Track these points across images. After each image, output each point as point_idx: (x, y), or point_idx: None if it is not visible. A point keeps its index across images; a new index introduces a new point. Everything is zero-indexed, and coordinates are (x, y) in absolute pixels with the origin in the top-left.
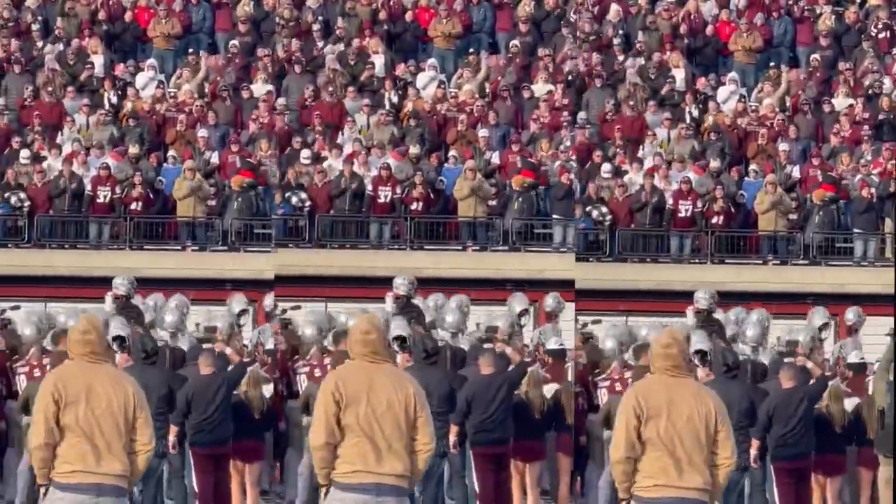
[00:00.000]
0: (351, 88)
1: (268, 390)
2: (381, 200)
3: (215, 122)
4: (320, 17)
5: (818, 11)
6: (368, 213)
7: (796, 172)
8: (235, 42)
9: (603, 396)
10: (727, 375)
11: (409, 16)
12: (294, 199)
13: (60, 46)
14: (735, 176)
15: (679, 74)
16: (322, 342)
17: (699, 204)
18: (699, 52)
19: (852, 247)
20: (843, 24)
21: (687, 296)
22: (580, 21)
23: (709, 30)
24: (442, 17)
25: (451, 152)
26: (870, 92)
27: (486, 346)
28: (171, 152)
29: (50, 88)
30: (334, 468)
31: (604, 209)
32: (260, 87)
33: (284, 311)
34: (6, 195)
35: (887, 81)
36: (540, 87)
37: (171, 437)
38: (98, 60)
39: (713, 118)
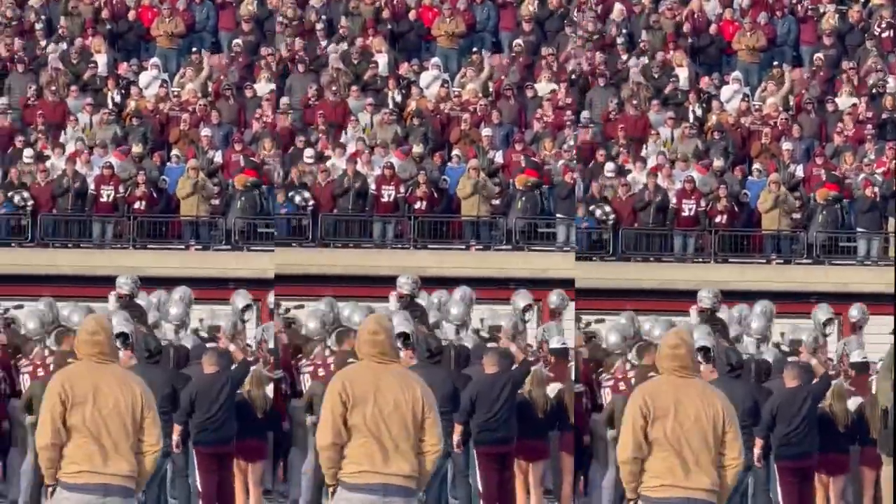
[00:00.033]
0: (354, 87)
1: (270, 390)
2: (385, 199)
3: (219, 121)
4: (324, 17)
5: (822, 10)
6: (372, 213)
7: (800, 171)
8: (239, 41)
9: (606, 396)
10: (731, 375)
11: (412, 15)
12: (297, 199)
13: (64, 45)
14: (738, 175)
15: (682, 73)
16: (326, 338)
17: (702, 203)
18: (702, 52)
19: (856, 246)
20: (847, 23)
21: (690, 295)
22: (583, 20)
23: (712, 29)
24: (445, 17)
25: (455, 151)
26: (873, 91)
27: (489, 345)
28: (174, 151)
29: (53, 87)
30: (341, 468)
31: (607, 208)
32: (263, 87)
33: (288, 309)
34: (10, 194)
35: (891, 80)
36: (543, 87)
37: (175, 437)
38: (101, 59)
39: (717, 117)
